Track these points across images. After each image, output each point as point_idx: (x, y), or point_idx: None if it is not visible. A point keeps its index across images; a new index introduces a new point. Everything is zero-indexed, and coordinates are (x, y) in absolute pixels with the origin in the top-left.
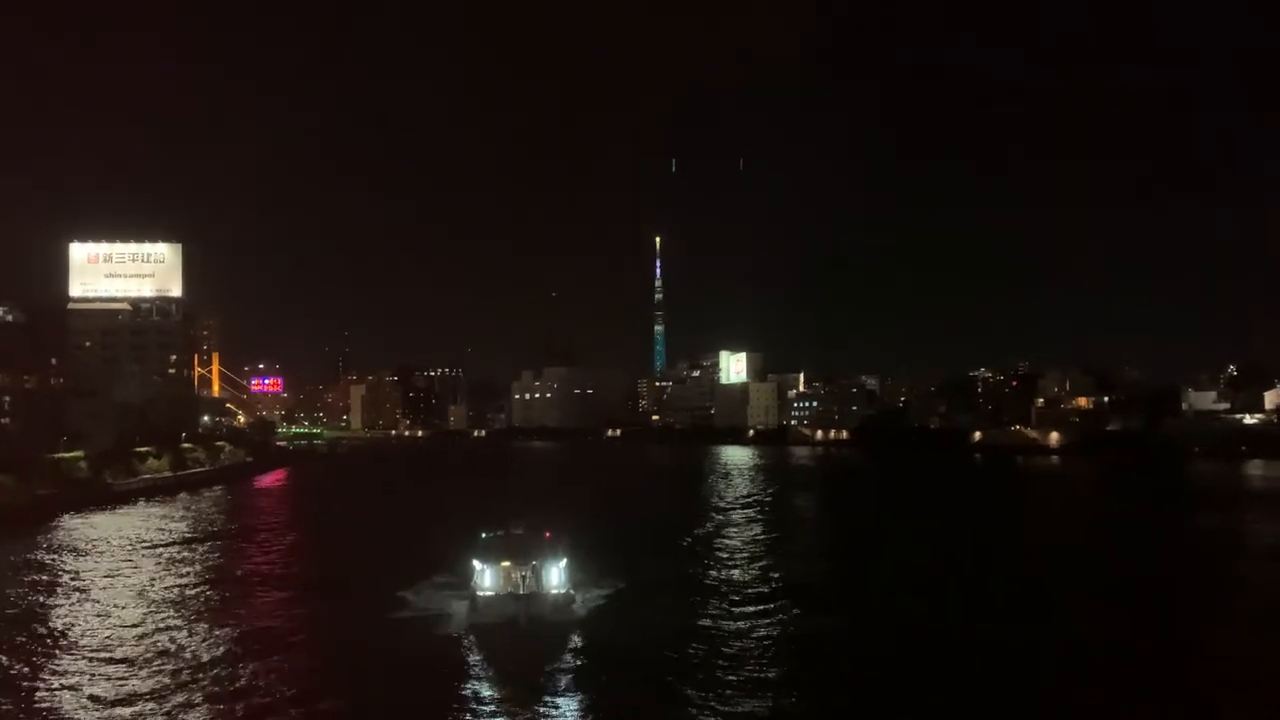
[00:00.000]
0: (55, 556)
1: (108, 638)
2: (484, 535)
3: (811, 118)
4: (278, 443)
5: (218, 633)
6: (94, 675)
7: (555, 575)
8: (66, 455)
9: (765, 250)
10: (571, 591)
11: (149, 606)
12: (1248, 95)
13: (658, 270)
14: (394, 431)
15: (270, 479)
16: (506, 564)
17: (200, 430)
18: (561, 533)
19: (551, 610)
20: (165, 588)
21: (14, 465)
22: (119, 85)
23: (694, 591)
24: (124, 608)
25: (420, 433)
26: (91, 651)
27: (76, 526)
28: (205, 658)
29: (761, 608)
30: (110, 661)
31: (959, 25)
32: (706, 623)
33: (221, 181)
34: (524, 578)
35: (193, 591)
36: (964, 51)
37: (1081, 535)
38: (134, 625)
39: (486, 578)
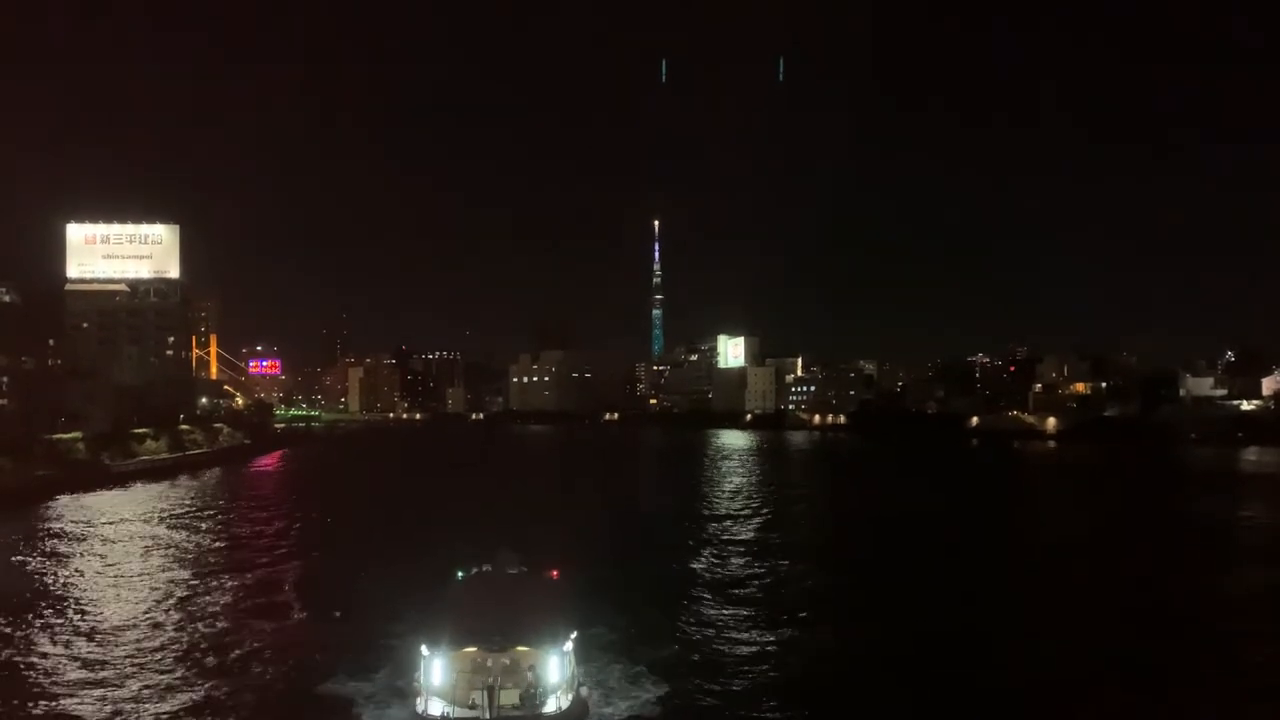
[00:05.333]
0: (51, 538)
1: (93, 618)
2: (459, 574)
3: (809, 100)
4: (275, 425)
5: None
6: (77, 655)
7: (555, 668)
8: (64, 436)
9: (764, 235)
10: (583, 691)
11: (134, 588)
12: (1246, 83)
13: (656, 254)
14: (391, 414)
15: (268, 461)
16: (472, 649)
17: (198, 412)
18: (572, 570)
19: None
20: (150, 571)
21: (12, 446)
22: (116, 65)
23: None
24: (111, 590)
25: (418, 416)
26: (76, 630)
27: (73, 507)
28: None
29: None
30: (92, 640)
31: (951, 12)
32: None
33: (220, 163)
34: (494, 684)
35: (173, 578)
36: (957, 30)
37: (1068, 521)
38: (115, 608)
39: (438, 675)
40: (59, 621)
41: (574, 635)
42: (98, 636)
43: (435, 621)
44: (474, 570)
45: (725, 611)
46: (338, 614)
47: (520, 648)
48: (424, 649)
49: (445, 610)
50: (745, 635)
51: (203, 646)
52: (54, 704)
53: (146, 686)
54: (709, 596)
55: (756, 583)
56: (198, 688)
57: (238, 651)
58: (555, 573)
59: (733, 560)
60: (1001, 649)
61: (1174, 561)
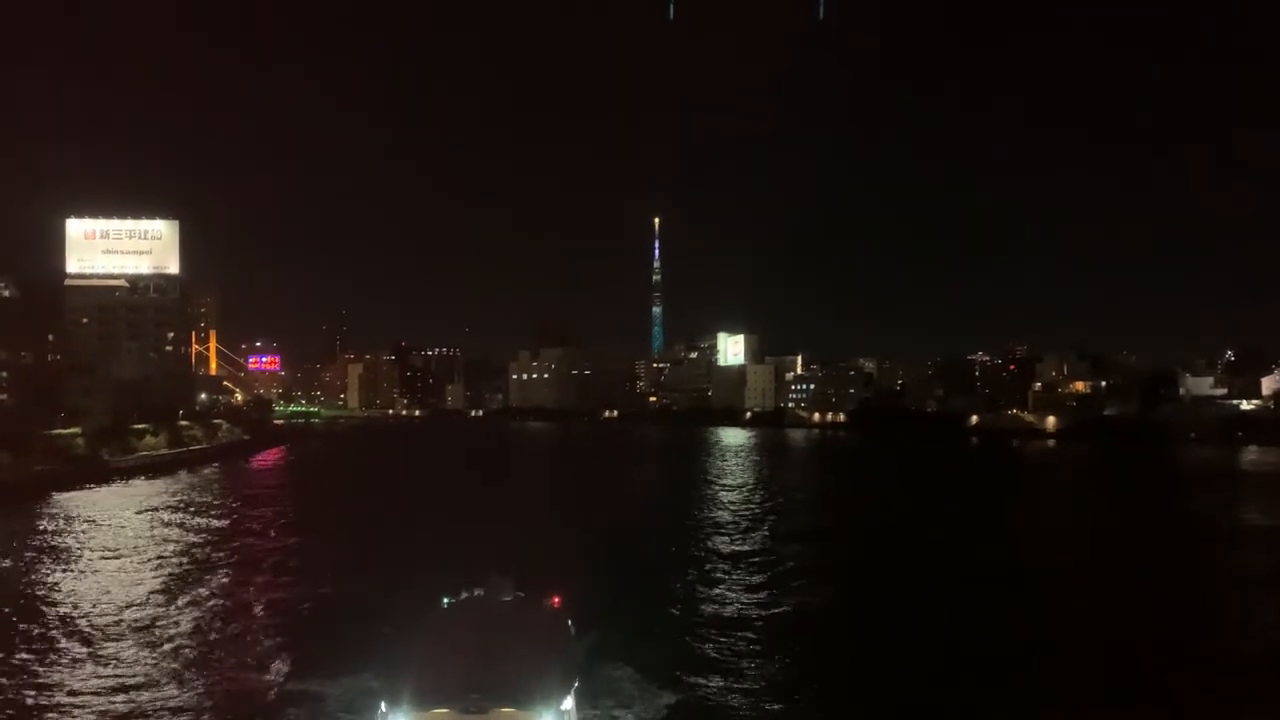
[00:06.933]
0: (48, 533)
1: (88, 614)
2: (445, 600)
3: (809, 100)
4: (275, 421)
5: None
6: (57, 647)
7: None
8: (64, 431)
9: (764, 233)
10: None
11: (128, 584)
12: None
13: (656, 251)
14: (391, 411)
15: (267, 457)
16: (443, 711)
17: (197, 408)
18: (574, 596)
19: None
20: (146, 567)
21: (11, 441)
22: (117, 61)
23: None
24: (103, 585)
25: (417, 412)
26: (62, 625)
27: (72, 503)
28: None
29: None
30: (75, 630)
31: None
32: None
33: (220, 159)
34: None
35: (167, 573)
36: (958, 31)
37: (1064, 517)
38: (113, 603)
39: None
40: (47, 615)
41: (575, 686)
42: (82, 630)
43: (399, 671)
44: (463, 595)
45: (733, 611)
46: (306, 607)
47: (504, 709)
48: (383, 707)
49: (412, 656)
50: (750, 640)
51: (185, 642)
52: (28, 695)
53: (120, 678)
54: (715, 596)
55: (761, 578)
56: (171, 681)
57: (219, 649)
58: (556, 600)
59: (735, 548)
60: (1003, 648)
61: (1173, 560)
